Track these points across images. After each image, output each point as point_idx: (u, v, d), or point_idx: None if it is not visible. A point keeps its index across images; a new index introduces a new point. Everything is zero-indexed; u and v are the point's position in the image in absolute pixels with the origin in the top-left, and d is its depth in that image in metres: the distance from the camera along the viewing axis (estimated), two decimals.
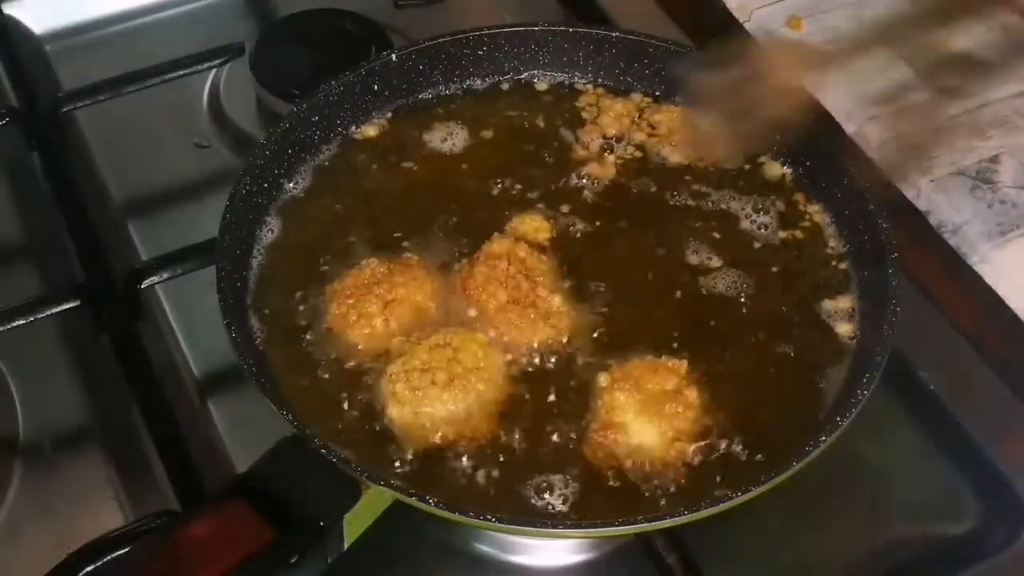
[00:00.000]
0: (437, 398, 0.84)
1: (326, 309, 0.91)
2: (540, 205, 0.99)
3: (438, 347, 0.86)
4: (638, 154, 1.04)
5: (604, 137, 1.05)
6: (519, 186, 1.01)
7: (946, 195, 1.10)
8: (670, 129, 1.05)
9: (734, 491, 0.78)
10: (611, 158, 1.03)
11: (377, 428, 0.85)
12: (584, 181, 1.01)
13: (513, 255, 0.92)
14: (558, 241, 0.97)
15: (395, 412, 0.84)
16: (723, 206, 1.00)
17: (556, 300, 0.91)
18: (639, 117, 1.06)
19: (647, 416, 0.84)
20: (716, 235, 0.98)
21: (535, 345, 0.89)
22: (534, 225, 0.97)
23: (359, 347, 0.89)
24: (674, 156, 1.03)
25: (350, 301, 0.90)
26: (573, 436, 0.85)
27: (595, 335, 0.91)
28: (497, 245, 0.93)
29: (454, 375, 0.85)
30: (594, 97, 1.08)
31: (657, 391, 0.84)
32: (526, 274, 0.91)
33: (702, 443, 0.84)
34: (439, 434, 0.84)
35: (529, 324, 0.89)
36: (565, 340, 0.90)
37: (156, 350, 1.01)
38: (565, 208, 0.99)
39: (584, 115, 1.07)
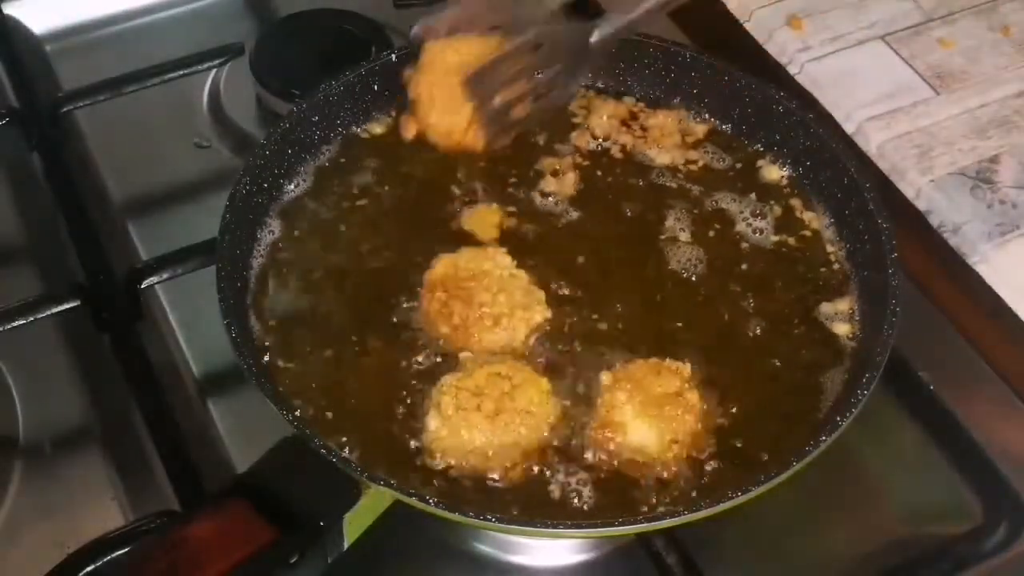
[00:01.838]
0: (476, 426, 0.82)
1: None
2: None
3: (497, 376, 0.84)
4: (619, 155, 1.04)
5: (592, 136, 1.05)
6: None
7: (946, 195, 1.10)
8: (663, 132, 1.05)
9: (734, 491, 0.78)
10: (572, 176, 1.01)
11: (380, 429, 0.85)
12: (548, 198, 1.01)
13: (451, 280, 0.90)
14: (547, 237, 0.98)
15: (433, 423, 0.84)
16: (723, 206, 1.00)
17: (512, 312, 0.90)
18: (631, 119, 1.06)
19: (646, 417, 0.84)
20: (711, 234, 0.98)
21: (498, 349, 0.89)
22: (493, 220, 0.98)
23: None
24: (661, 157, 1.03)
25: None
26: (576, 435, 0.85)
27: (596, 334, 0.91)
28: (441, 268, 0.92)
29: (502, 410, 0.83)
30: (585, 100, 1.07)
31: (658, 393, 0.84)
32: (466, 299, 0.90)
33: (701, 444, 0.84)
34: (464, 459, 0.83)
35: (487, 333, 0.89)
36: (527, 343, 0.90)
37: (156, 350, 1.01)
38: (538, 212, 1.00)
39: (574, 119, 1.06)
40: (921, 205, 1.11)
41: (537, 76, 0.88)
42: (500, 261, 0.92)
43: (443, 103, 0.88)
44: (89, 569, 0.82)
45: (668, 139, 1.04)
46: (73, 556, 0.83)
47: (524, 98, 0.88)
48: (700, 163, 1.04)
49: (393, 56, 1.05)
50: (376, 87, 1.05)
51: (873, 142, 1.15)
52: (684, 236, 0.98)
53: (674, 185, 1.02)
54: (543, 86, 0.89)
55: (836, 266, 0.97)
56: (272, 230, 0.97)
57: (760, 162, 1.04)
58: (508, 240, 0.97)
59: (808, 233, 0.99)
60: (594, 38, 0.88)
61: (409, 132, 0.92)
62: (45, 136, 1.17)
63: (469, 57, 0.87)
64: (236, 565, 0.74)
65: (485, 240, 0.97)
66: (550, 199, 1.01)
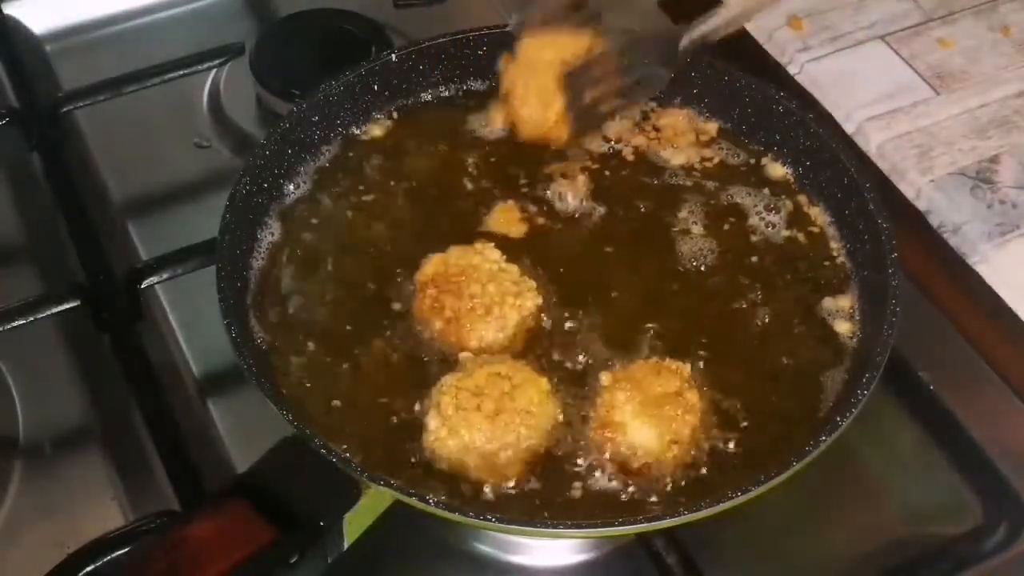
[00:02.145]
0: (476, 426, 0.82)
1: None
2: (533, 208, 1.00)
3: (497, 376, 0.84)
4: (631, 158, 1.03)
5: (604, 139, 1.04)
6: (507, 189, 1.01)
7: (946, 195, 1.10)
8: (676, 131, 1.05)
9: (734, 491, 0.78)
10: (582, 179, 1.01)
11: (380, 429, 0.86)
12: (560, 199, 1.01)
13: (441, 276, 0.91)
14: (560, 234, 0.98)
15: (433, 423, 0.83)
16: (737, 200, 1.00)
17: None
18: (643, 119, 1.06)
19: (646, 417, 0.83)
20: (724, 227, 0.99)
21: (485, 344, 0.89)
22: (509, 217, 0.98)
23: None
24: (676, 158, 1.03)
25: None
26: (575, 435, 0.86)
27: (597, 333, 0.91)
28: (432, 268, 0.92)
29: (502, 410, 0.83)
30: None
31: (658, 393, 0.84)
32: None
33: (700, 445, 0.84)
34: (464, 459, 0.83)
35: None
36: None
37: (156, 350, 1.01)
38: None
39: None
40: (921, 205, 1.11)
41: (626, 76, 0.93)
42: (489, 255, 0.93)
43: (536, 97, 0.93)
44: (89, 569, 0.82)
45: (682, 138, 1.04)
46: (73, 556, 0.83)
47: (612, 95, 0.93)
48: (715, 160, 1.03)
49: (393, 56, 1.05)
50: (376, 87, 1.05)
51: (873, 142, 1.15)
52: (697, 229, 0.98)
53: (690, 183, 1.02)
54: (630, 84, 0.93)
55: (838, 264, 0.97)
56: (272, 230, 0.97)
57: (764, 160, 1.04)
58: (508, 238, 0.97)
59: (816, 229, 0.99)
60: (683, 42, 0.92)
61: (499, 122, 0.99)
62: (45, 136, 1.17)
63: (564, 54, 0.92)
64: (236, 565, 0.74)
65: (515, 237, 0.97)
66: (562, 199, 1.01)
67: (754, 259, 0.97)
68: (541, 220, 0.99)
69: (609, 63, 0.92)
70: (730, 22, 0.92)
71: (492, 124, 1.00)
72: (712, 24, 0.92)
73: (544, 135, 0.96)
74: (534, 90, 0.94)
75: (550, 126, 0.95)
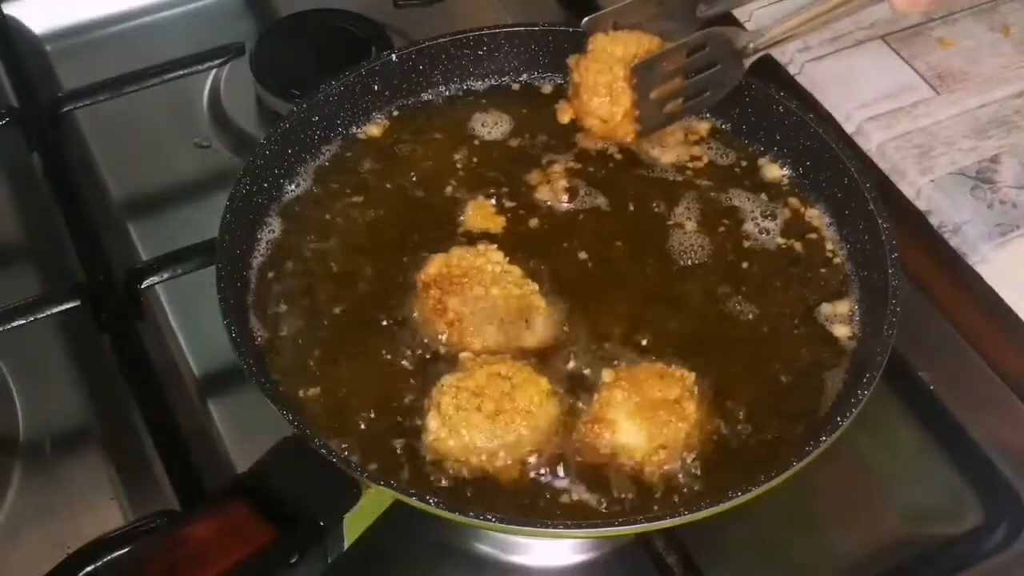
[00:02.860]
0: (476, 426, 0.82)
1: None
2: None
3: (497, 376, 0.84)
4: (619, 156, 1.03)
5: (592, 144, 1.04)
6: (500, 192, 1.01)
7: (946, 195, 1.10)
8: (666, 129, 1.05)
9: (734, 491, 0.78)
10: (562, 183, 1.01)
11: (380, 429, 0.86)
12: (547, 199, 1.01)
13: (444, 278, 0.91)
14: (548, 233, 0.98)
15: (434, 423, 0.83)
16: (735, 203, 1.00)
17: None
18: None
19: (639, 419, 0.83)
20: (719, 230, 0.98)
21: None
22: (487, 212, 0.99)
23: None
24: (665, 156, 1.03)
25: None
26: (575, 435, 0.85)
27: (597, 332, 0.91)
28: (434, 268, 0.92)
29: (502, 410, 0.83)
30: None
31: (657, 397, 0.84)
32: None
33: (694, 449, 0.84)
34: (465, 459, 0.83)
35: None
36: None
37: (156, 350, 1.01)
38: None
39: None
40: (921, 205, 1.11)
41: (692, 77, 0.96)
42: (492, 257, 0.93)
43: (605, 91, 0.96)
44: (89, 569, 0.81)
45: (671, 136, 1.04)
46: (73, 556, 0.82)
47: (678, 96, 0.96)
48: (704, 159, 1.04)
49: (393, 56, 1.05)
50: (376, 87, 1.05)
51: (873, 142, 1.15)
52: (690, 225, 0.99)
53: (680, 179, 1.02)
54: (695, 87, 0.96)
55: (836, 267, 0.97)
56: (272, 230, 0.98)
57: (760, 161, 1.04)
58: (508, 236, 0.98)
59: (814, 236, 0.98)
60: (749, 48, 0.95)
61: (565, 116, 1.02)
62: (45, 136, 1.17)
63: (634, 51, 0.95)
64: (236, 565, 0.74)
65: (494, 231, 0.97)
66: (550, 199, 1.01)
67: (751, 262, 0.97)
68: (533, 219, 0.99)
69: (677, 61, 0.94)
70: (790, 33, 0.96)
71: (559, 118, 1.01)
72: (775, 33, 0.96)
73: (611, 131, 0.98)
74: (604, 84, 0.96)
75: (617, 122, 0.97)
